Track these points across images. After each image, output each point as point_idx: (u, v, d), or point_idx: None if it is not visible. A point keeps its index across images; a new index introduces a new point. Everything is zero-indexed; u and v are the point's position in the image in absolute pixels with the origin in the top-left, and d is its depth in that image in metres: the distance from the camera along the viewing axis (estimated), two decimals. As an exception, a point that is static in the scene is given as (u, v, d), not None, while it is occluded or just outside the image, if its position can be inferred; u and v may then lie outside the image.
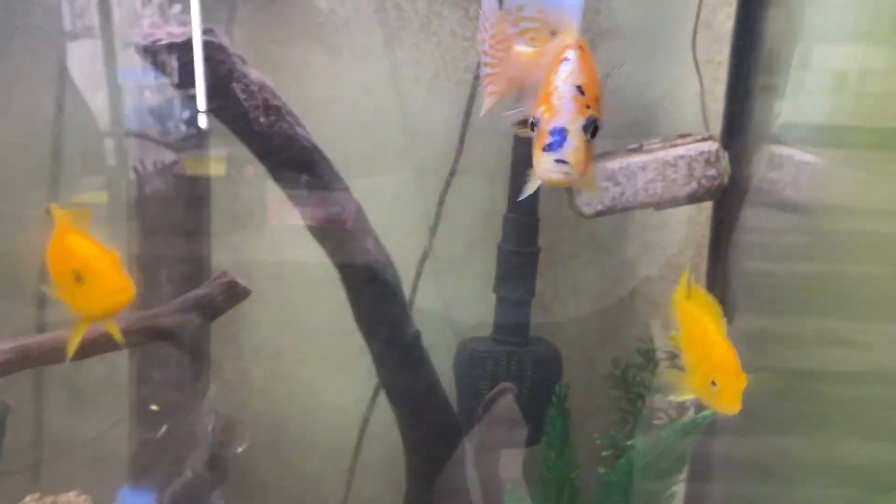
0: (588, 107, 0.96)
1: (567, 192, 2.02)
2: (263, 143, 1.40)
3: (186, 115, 1.99)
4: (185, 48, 1.28)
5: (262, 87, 1.36)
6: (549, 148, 0.94)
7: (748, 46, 1.85)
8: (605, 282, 2.20)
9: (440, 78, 2.10)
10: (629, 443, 1.78)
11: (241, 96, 1.32)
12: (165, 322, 1.32)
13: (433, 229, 2.13)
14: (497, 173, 2.04)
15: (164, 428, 1.95)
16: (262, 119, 1.34)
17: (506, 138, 2.01)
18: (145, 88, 2.06)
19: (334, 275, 1.79)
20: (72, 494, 1.70)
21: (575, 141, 0.95)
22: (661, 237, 2.19)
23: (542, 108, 0.96)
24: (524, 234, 1.96)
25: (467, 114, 2.09)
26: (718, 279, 2.10)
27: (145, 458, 1.99)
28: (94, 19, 2.01)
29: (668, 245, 2.18)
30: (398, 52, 2.09)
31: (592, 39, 2.07)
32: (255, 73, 1.35)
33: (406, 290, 2.00)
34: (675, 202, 1.97)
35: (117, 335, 1.18)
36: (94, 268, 1.07)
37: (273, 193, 1.74)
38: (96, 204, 2.09)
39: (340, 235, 1.48)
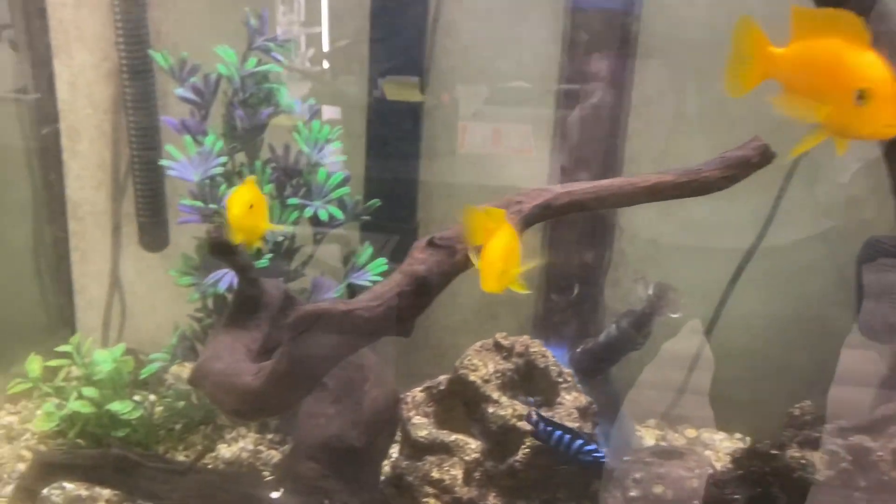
0: None
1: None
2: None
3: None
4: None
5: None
6: None
7: None
8: None
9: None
10: None
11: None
12: (710, 176, 1.43)
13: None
14: None
15: (576, 290, 2.13)
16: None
17: None
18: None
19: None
20: (525, 338, 1.88)
21: None
22: None
23: None
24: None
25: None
26: None
27: (555, 317, 2.18)
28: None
29: None
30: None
31: None
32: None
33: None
34: None
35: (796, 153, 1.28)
36: (886, 93, 1.11)
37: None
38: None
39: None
